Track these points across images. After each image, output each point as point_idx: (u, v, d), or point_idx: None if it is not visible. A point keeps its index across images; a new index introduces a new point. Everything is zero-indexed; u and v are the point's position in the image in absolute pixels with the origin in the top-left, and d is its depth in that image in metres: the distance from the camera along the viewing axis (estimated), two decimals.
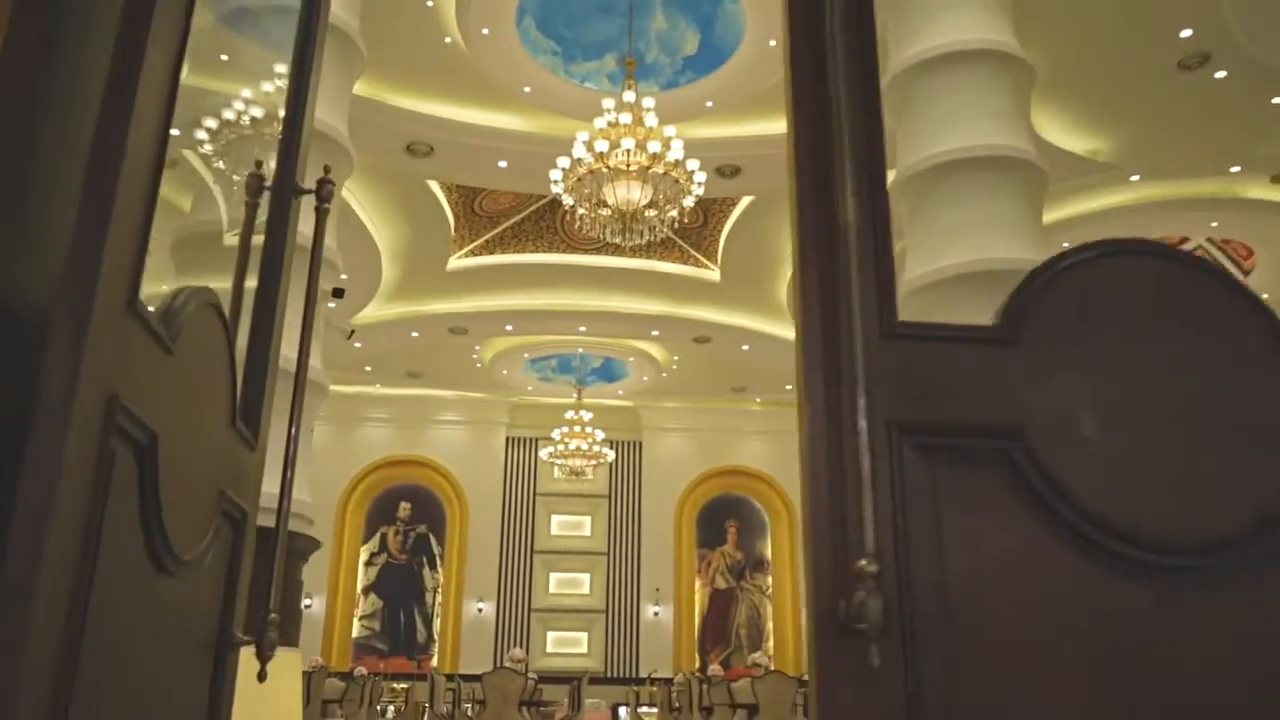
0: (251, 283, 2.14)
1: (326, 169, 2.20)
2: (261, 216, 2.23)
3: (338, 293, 5.60)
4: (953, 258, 5.43)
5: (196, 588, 1.64)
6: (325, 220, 2.20)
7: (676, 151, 8.45)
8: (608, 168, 8.36)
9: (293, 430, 2.05)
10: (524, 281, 15.32)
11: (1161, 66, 9.85)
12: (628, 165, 8.36)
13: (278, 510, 1.96)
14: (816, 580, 1.21)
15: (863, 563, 1.11)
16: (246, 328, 2.16)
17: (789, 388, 19.31)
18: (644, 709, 17.26)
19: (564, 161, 8.55)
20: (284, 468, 2.00)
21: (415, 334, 16.64)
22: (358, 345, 17.14)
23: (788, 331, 16.55)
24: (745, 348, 17.02)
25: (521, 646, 19.60)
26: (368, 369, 18.66)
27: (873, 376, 1.22)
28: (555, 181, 8.66)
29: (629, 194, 8.44)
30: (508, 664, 9.77)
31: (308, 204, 2.33)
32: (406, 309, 16.03)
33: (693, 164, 8.48)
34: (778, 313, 15.96)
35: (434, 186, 12.96)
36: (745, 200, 13.16)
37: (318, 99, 5.52)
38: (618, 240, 8.71)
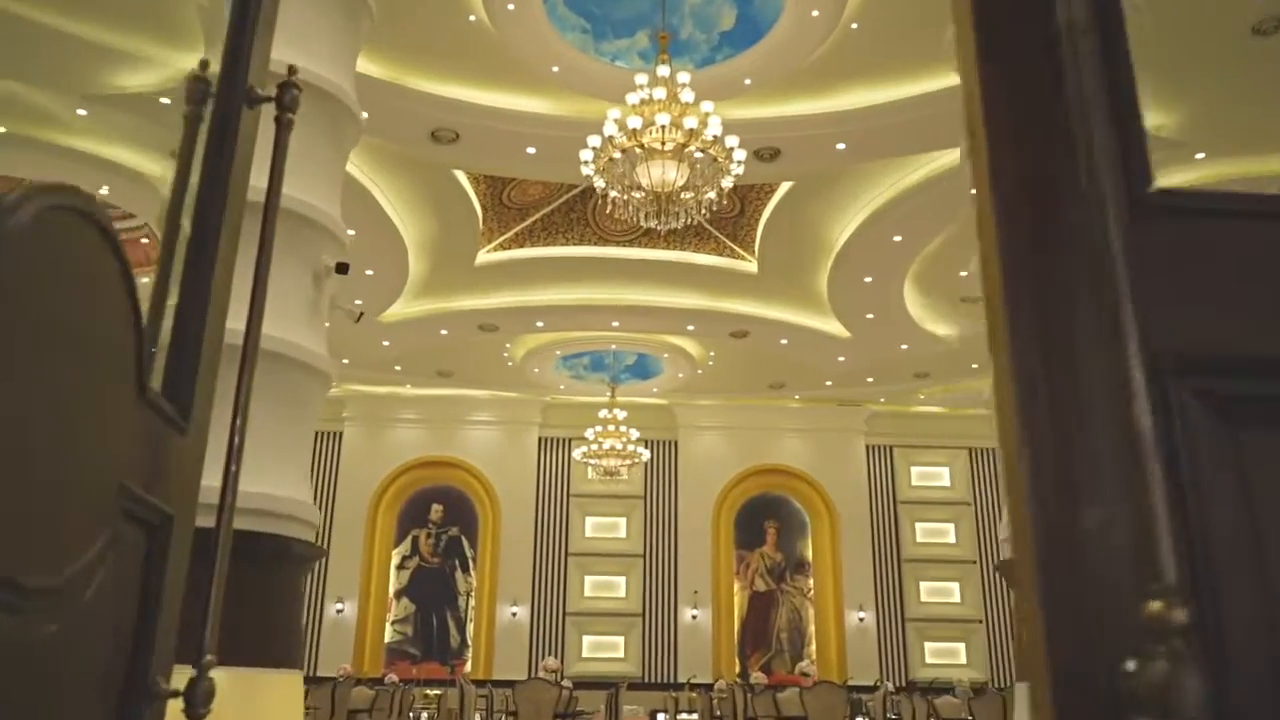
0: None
1: (292, 69, 1.70)
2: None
3: (341, 268, 5.13)
4: None
5: (79, 624, 1.14)
6: (288, 136, 1.69)
7: (714, 128, 7.92)
8: (641, 147, 7.84)
9: (237, 421, 1.54)
10: (555, 276, 14.85)
11: (1233, 31, 9.17)
12: (662, 143, 7.85)
13: (219, 508, 1.46)
14: (1053, 632, 0.69)
15: (1157, 605, 0.59)
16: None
17: (829, 383, 18.72)
18: (683, 716, 16.72)
19: (594, 140, 8.05)
20: (228, 460, 1.49)
21: (444, 331, 16.23)
22: (385, 344, 16.76)
23: (828, 324, 15.96)
24: (784, 342, 16.44)
25: (556, 652, 19.13)
26: (397, 368, 18.29)
27: (1126, 278, 0.70)
28: (586, 163, 8.17)
29: (664, 174, 7.93)
30: (541, 674, 9.28)
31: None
32: (435, 305, 15.61)
33: (732, 140, 7.95)
34: (818, 305, 15.37)
35: (461, 177, 12.52)
36: (784, 186, 12.60)
37: (320, 56, 5.02)
38: (652, 224, 8.18)
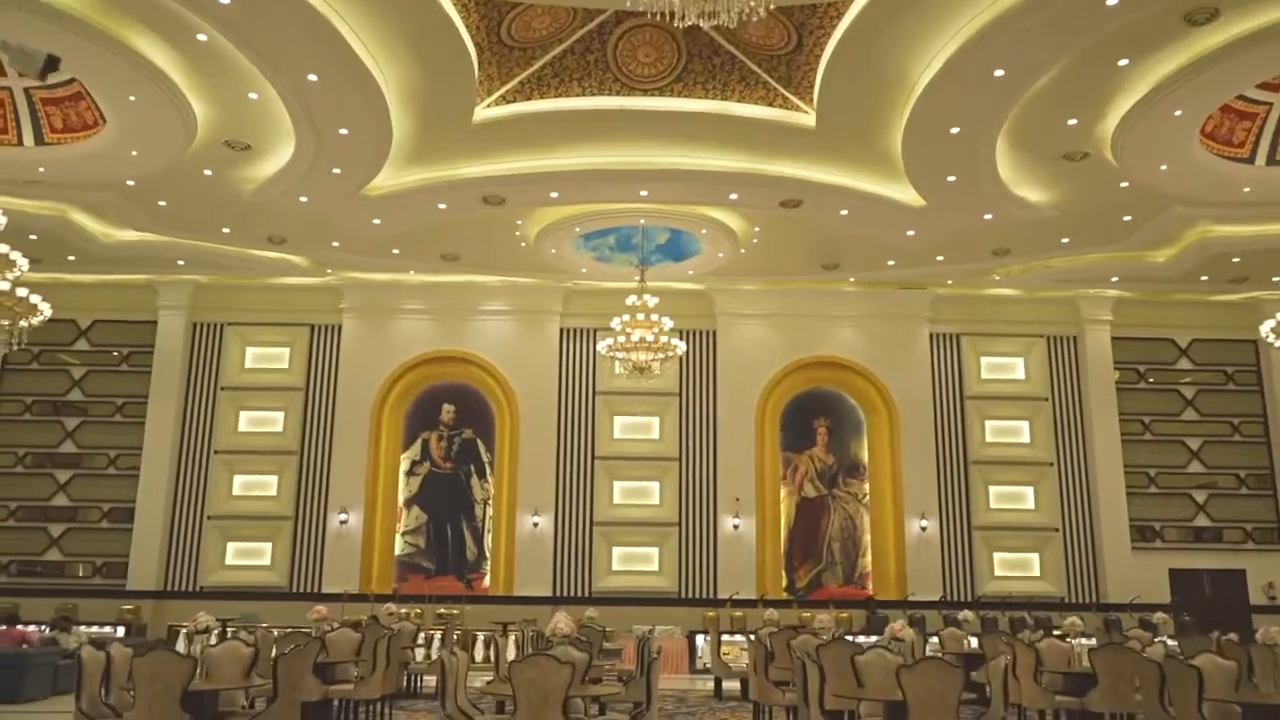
0: None
1: None
2: None
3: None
4: None
5: None
6: None
7: None
8: None
9: None
10: (570, 134, 12.33)
11: None
12: None
13: None
14: None
15: None
16: None
17: (891, 263, 16.27)
18: (726, 638, 14.87)
19: None
20: None
21: (443, 206, 13.83)
22: (376, 223, 14.42)
23: (898, 190, 13.40)
24: (844, 213, 13.90)
25: (583, 565, 17.29)
26: (395, 251, 16.00)
27: None
28: None
29: None
30: (550, 637, 7.20)
31: None
32: (428, 174, 13.19)
33: None
34: (888, 166, 12.77)
35: (447, 5, 9.92)
36: (854, 9, 9.88)
37: None
38: (690, 20, 5.67)
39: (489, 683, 12.15)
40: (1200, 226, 14.63)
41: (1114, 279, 16.99)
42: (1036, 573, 17.61)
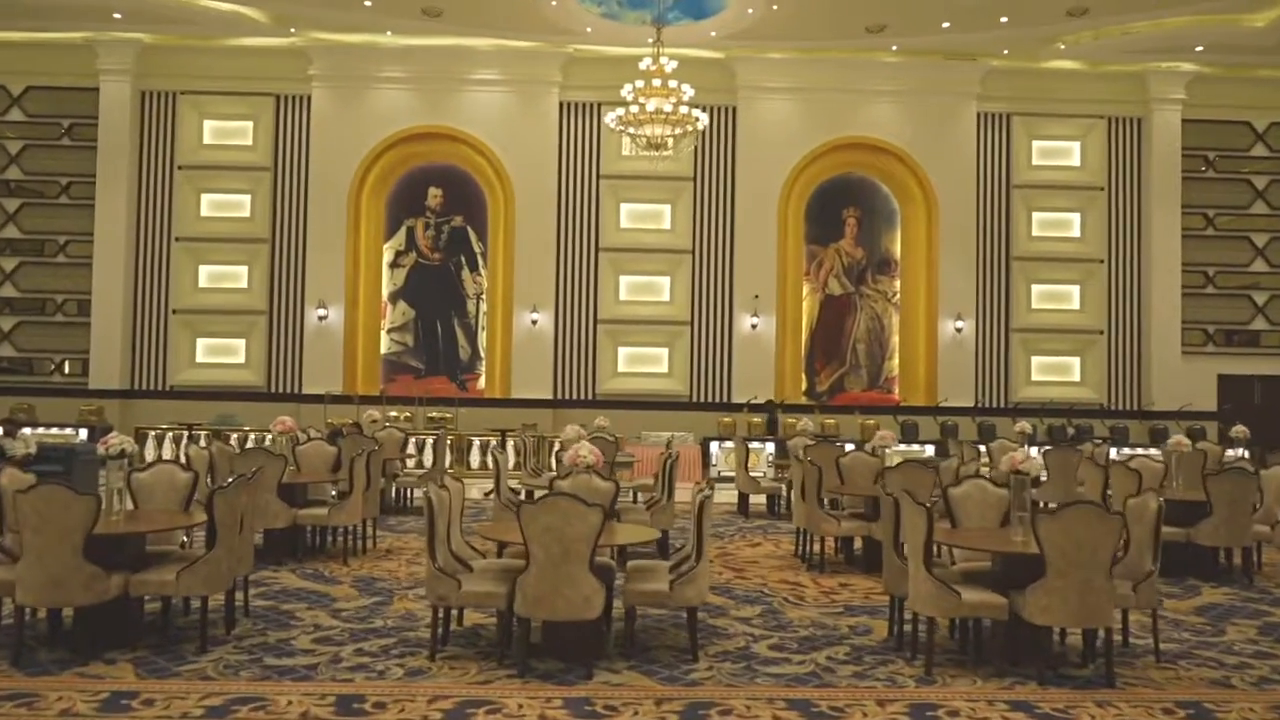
0: None
1: None
2: None
3: None
4: None
5: None
6: None
7: None
8: None
9: None
10: None
11: None
12: None
13: None
14: None
15: None
16: None
17: (946, 25, 14.03)
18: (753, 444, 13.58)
19: None
20: None
21: None
22: None
23: None
24: None
25: (587, 365, 15.88)
26: (367, 3, 13.62)
27: None
28: None
29: None
30: (571, 466, 5.68)
31: None
32: None
33: None
34: None
35: None
36: None
37: None
38: None
39: (487, 494, 10.95)
40: None
41: (1197, 49, 14.80)
42: (1076, 378, 16.32)
